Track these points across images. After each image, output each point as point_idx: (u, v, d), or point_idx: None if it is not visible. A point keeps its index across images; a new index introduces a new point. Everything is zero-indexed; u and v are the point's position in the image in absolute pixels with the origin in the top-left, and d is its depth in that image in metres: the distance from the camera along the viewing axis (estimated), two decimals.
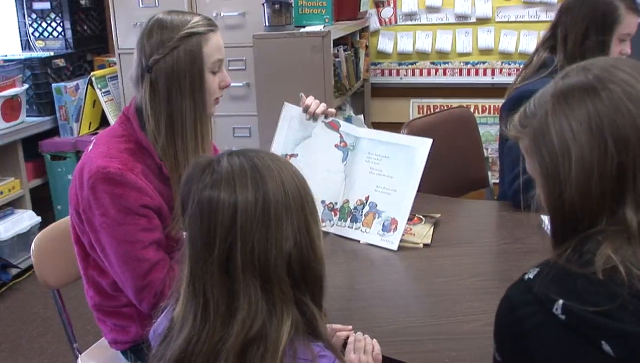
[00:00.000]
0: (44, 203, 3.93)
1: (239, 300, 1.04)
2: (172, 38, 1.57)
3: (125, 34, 3.79)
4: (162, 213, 1.61)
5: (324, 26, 3.22)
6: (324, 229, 2.04)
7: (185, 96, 1.59)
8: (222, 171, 1.07)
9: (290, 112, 2.02)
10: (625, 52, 2.07)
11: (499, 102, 4.01)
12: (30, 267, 3.58)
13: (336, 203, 2.00)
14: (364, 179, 1.98)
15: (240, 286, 1.04)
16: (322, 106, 2.00)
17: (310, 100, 1.99)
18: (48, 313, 3.25)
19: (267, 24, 3.20)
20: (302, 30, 3.16)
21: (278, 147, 1.99)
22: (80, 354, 1.96)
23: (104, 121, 4.09)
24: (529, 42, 3.78)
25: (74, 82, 3.98)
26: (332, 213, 1.99)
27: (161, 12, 1.64)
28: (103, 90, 3.97)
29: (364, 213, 1.97)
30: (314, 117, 1.99)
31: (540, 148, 1.03)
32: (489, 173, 2.95)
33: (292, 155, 2.00)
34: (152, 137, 1.60)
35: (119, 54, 3.85)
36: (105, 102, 3.97)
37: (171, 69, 1.57)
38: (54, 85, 3.91)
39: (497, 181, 2.78)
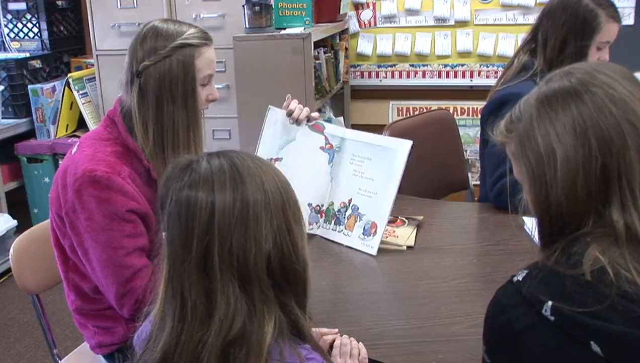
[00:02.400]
0: (20, 207, 3.87)
1: (216, 300, 1.03)
2: (165, 46, 1.57)
3: (103, 36, 3.76)
4: (148, 218, 1.59)
5: (305, 28, 3.22)
6: (311, 231, 2.05)
7: (177, 106, 1.59)
8: (200, 170, 1.06)
9: (275, 116, 2.01)
10: (604, 60, 2.09)
11: (478, 104, 4.07)
12: (6, 272, 3.53)
13: (323, 205, 2.00)
14: (347, 181, 1.98)
15: (217, 286, 1.03)
16: (306, 110, 2.00)
17: (293, 104, 1.99)
18: (25, 318, 3.20)
19: (247, 25, 3.19)
20: (282, 32, 3.15)
21: (263, 151, 1.99)
22: (61, 360, 1.94)
23: (81, 123, 4.04)
24: (507, 45, 3.82)
25: (51, 84, 3.94)
26: (319, 215, 1.99)
27: (157, 20, 1.64)
28: (81, 92, 3.92)
29: (346, 216, 1.97)
30: (297, 122, 1.99)
31: (526, 152, 1.04)
32: (469, 175, 2.97)
33: (276, 159, 1.99)
34: (141, 141, 1.59)
35: (96, 56, 3.81)
36: (82, 104, 3.92)
37: (162, 77, 1.57)
38: (30, 87, 3.85)
39: (477, 182, 2.80)
